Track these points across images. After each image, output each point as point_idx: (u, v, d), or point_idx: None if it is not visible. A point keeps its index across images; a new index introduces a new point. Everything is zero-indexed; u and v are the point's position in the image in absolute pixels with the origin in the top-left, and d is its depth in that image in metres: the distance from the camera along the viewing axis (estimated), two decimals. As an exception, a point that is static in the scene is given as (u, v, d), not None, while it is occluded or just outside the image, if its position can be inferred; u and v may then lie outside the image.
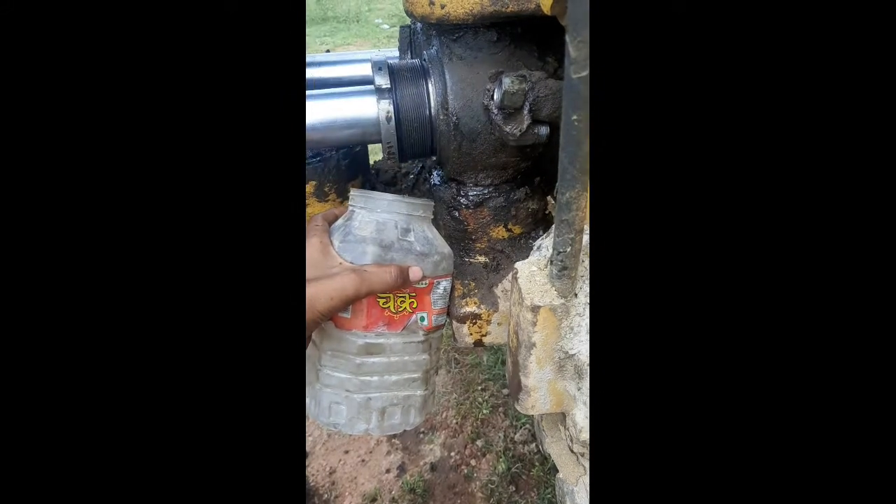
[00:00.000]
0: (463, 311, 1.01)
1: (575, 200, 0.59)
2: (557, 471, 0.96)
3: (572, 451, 0.85)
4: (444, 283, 0.88)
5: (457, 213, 1.06)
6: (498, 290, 1.05)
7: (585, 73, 0.50)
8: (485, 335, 1.04)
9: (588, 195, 0.60)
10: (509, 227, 1.08)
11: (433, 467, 2.07)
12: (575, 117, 0.53)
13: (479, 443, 2.13)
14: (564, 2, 0.55)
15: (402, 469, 2.05)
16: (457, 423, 2.21)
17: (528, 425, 2.10)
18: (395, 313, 0.77)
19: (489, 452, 2.11)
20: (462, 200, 1.05)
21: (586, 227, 0.74)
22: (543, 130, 0.90)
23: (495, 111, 0.89)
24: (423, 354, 0.83)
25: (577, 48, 0.47)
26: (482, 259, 1.10)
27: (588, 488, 0.85)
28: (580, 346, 0.73)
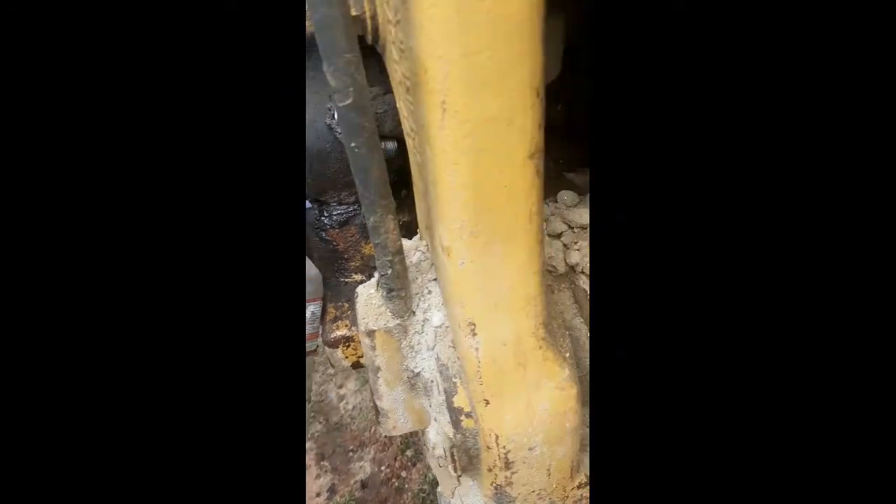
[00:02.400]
0: (334, 335, 0.99)
1: (381, 224, 0.59)
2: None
3: (440, 466, 0.85)
4: (312, 308, 0.87)
5: (324, 234, 1.04)
6: (372, 308, 1.05)
7: (349, 101, 0.49)
8: (361, 356, 1.03)
9: (393, 218, 0.60)
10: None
11: (364, 484, 2.04)
12: (353, 144, 0.52)
13: (408, 453, 2.12)
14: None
15: (332, 491, 2.01)
16: (386, 436, 2.19)
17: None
18: None
19: (419, 461, 2.10)
20: (326, 221, 1.03)
21: (416, 244, 0.73)
22: (390, 146, 0.89)
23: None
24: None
25: (333, 77, 0.46)
26: (358, 277, 1.09)
27: (463, 499, 0.86)
28: (423, 363, 0.72)
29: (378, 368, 0.72)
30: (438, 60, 0.48)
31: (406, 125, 0.63)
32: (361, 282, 1.08)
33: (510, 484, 0.75)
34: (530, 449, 0.73)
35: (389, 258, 0.62)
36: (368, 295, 0.72)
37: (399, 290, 0.67)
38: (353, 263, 1.09)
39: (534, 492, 0.78)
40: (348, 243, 1.06)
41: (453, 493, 0.87)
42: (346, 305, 1.04)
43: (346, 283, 1.08)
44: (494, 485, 0.75)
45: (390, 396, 0.75)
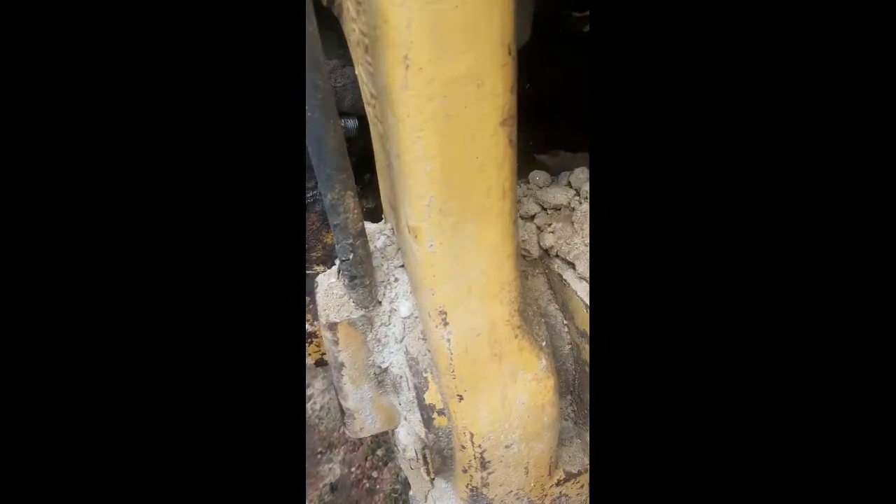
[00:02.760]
0: (294, 330, 0.92)
1: (340, 202, 0.52)
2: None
3: (411, 468, 0.79)
4: None
5: (281, 223, 0.96)
6: (335, 302, 0.98)
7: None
8: (325, 353, 0.96)
9: (353, 195, 0.53)
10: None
11: (333, 487, 1.97)
12: (307, 109, 0.45)
13: (379, 452, 2.05)
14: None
15: (300, 495, 1.93)
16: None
17: (429, 425, 2.03)
18: None
19: (391, 461, 2.03)
20: (283, 209, 0.95)
21: (381, 228, 0.67)
22: (350, 123, 0.82)
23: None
24: None
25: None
26: (320, 269, 1.01)
27: (437, 502, 0.80)
28: (391, 357, 0.66)
29: (342, 365, 0.65)
30: (400, 7, 0.42)
31: (366, 92, 0.57)
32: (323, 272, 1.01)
33: (486, 485, 0.70)
34: (507, 447, 0.67)
35: (350, 241, 0.55)
36: (329, 284, 0.66)
37: (362, 278, 0.60)
38: (315, 254, 1.01)
39: (511, 492, 0.73)
40: (309, 231, 0.99)
41: (426, 497, 0.82)
42: (308, 299, 0.97)
43: (308, 274, 1.01)
44: (470, 487, 0.70)
45: (356, 395, 0.68)
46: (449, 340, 0.60)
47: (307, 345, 0.95)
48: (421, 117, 0.48)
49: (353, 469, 2.02)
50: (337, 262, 0.70)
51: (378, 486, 1.96)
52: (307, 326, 0.94)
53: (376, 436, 2.12)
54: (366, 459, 2.04)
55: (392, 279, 0.65)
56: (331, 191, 0.50)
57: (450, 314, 0.59)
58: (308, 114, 0.44)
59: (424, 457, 0.66)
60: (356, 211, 0.53)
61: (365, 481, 1.98)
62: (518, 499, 0.75)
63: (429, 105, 0.47)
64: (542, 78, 1.19)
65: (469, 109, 0.49)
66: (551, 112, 1.26)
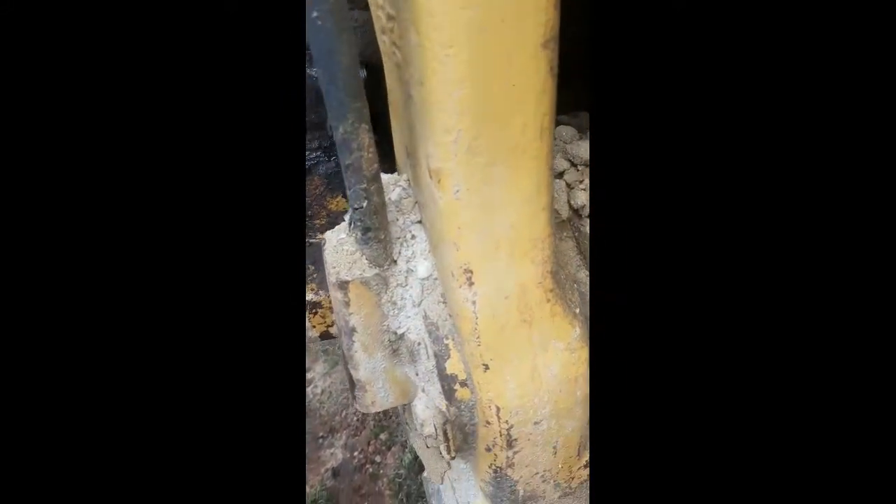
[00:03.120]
0: (298, 299, 0.85)
1: (353, 136, 0.45)
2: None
3: (427, 447, 0.73)
4: None
5: (283, 186, 0.89)
6: (342, 271, 0.91)
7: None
8: (331, 325, 0.89)
9: (368, 129, 0.46)
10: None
11: (335, 473, 1.91)
12: (314, 14, 0.38)
13: (382, 437, 2.00)
14: None
15: (301, 480, 1.88)
16: (357, 419, 2.06)
17: (434, 409, 1.98)
18: None
19: (394, 445, 1.98)
20: (285, 170, 0.88)
21: (395, 179, 0.60)
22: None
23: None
24: None
25: None
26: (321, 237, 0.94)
27: (454, 484, 0.74)
28: (408, 322, 0.59)
29: (353, 330, 0.58)
30: None
31: (381, 18, 0.50)
32: (328, 242, 0.94)
33: (511, 465, 0.64)
34: (536, 423, 0.61)
35: (364, 186, 0.48)
36: (339, 240, 0.59)
37: (377, 230, 0.53)
38: (318, 221, 0.94)
39: (537, 473, 0.67)
40: (311, 197, 0.92)
41: (442, 478, 0.75)
42: (312, 267, 0.90)
43: (311, 244, 0.94)
44: (493, 467, 0.64)
45: (368, 365, 0.62)
46: (474, 303, 0.53)
47: (311, 316, 0.88)
48: (452, 30, 0.40)
49: (355, 454, 1.97)
50: (348, 213, 0.63)
51: (381, 472, 1.91)
52: (311, 296, 0.87)
53: (379, 419, 2.06)
54: (368, 444, 1.99)
55: (409, 236, 0.58)
56: (342, 122, 0.43)
57: (476, 273, 0.52)
58: (316, 23, 0.37)
59: (445, 433, 0.59)
60: (371, 149, 0.46)
61: (368, 466, 1.92)
62: (544, 481, 0.68)
63: (462, 15, 0.40)
64: (562, 38, 1.11)
65: (507, 24, 0.42)
66: (571, 74, 1.19)
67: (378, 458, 1.95)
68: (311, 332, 0.89)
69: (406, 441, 1.96)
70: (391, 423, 2.03)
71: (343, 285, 0.55)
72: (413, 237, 0.58)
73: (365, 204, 0.50)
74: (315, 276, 0.89)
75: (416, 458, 1.94)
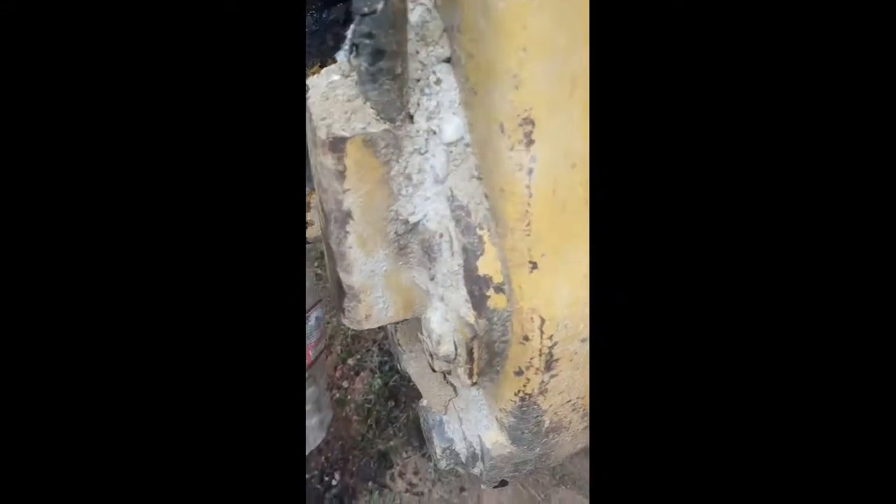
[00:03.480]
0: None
1: None
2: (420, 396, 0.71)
3: (434, 370, 0.59)
4: (316, 314, 0.86)
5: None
6: (318, 158, 0.73)
7: None
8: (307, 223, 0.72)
9: None
10: (327, 65, 0.73)
11: (299, 397, 1.81)
12: None
13: (350, 362, 1.89)
14: None
15: (262, 405, 1.77)
16: (324, 344, 1.94)
17: (404, 334, 1.88)
18: None
19: (363, 370, 1.87)
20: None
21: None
22: None
23: None
24: (310, 388, 0.89)
25: None
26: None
27: (461, 415, 0.61)
28: (426, 206, 0.43)
29: (347, 215, 0.42)
30: None
31: None
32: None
33: (544, 392, 0.51)
34: (583, 340, 0.48)
35: None
36: (330, 84, 0.41)
37: (393, 59, 0.36)
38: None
39: (569, 401, 0.55)
40: (279, 62, 0.71)
41: (446, 408, 0.63)
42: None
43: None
44: (521, 394, 0.51)
45: (366, 266, 0.46)
46: (531, 172, 0.38)
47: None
48: None
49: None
50: (344, 47, 0.45)
51: (349, 397, 1.81)
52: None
53: (346, 345, 1.94)
54: (335, 369, 1.88)
55: (432, 79, 0.41)
56: None
57: (538, 126, 0.36)
58: None
59: (470, 351, 0.45)
60: None
61: (335, 392, 1.82)
62: (574, 409, 0.56)
63: None
64: None
65: None
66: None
67: (345, 384, 1.84)
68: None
69: (376, 367, 1.86)
70: (360, 348, 1.92)
71: (337, 145, 0.38)
72: (438, 82, 0.41)
73: (380, 6, 0.32)
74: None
75: (385, 384, 1.84)
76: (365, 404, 1.79)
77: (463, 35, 0.38)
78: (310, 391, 0.97)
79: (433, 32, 0.41)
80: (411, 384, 1.87)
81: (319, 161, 0.40)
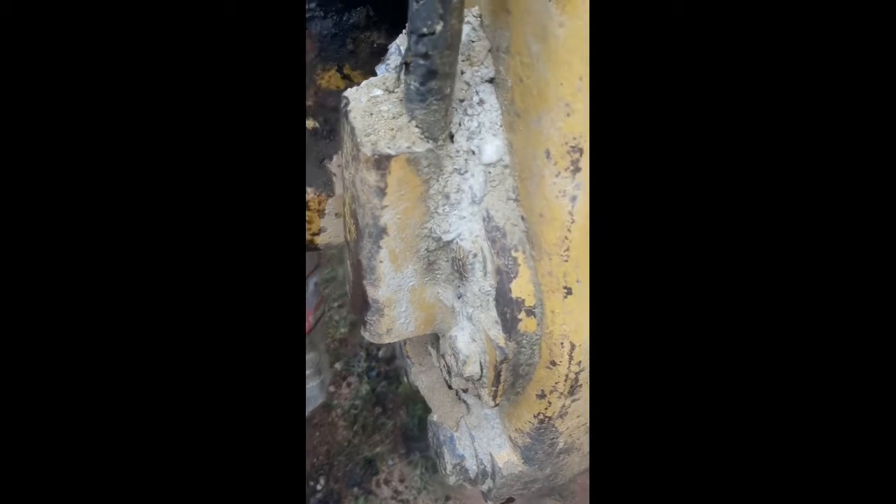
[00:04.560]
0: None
1: None
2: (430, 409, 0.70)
3: (450, 386, 0.59)
4: (314, 279, 0.86)
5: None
6: (333, 166, 0.71)
7: None
8: (316, 233, 0.71)
9: None
10: (345, 71, 0.72)
11: (285, 400, 1.78)
12: None
13: (337, 366, 1.87)
14: None
15: (246, 407, 1.74)
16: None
17: (392, 340, 1.88)
18: None
19: (350, 375, 1.86)
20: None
21: (475, 13, 0.41)
22: None
23: None
24: (310, 353, 0.92)
25: None
26: (309, 123, 0.74)
27: (472, 432, 0.61)
28: (461, 225, 0.43)
29: (383, 231, 0.41)
30: None
31: None
32: (313, 130, 0.74)
33: (564, 415, 0.51)
34: (607, 365, 0.48)
35: (441, 1, 0.30)
36: (372, 99, 0.40)
37: (444, 79, 0.35)
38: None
39: (584, 424, 0.55)
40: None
41: (457, 424, 0.62)
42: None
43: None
44: (541, 416, 0.51)
45: (394, 281, 0.45)
46: (574, 199, 0.38)
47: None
48: None
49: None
50: (390, 53, 0.44)
51: (336, 402, 1.79)
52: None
53: (334, 349, 1.92)
54: (322, 372, 1.86)
55: (475, 99, 0.41)
56: None
57: (587, 154, 0.36)
58: None
59: (498, 374, 0.45)
60: None
61: (321, 395, 1.80)
62: (587, 432, 0.56)
63: None
64: None
65: None
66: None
67: (332, 389, 1.82)
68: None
69: (364, 372, 1.84)
70: (347, 353, 1.90)
71: (381, 163, 0.38)
72: (481, 102, 0.41)
73: (439, 27, 0.32)
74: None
75: (373, 390, 1.83)
76: (351, 410, 1.77)
77: (512, 58, 0.38)
78: (310, 356, 1.01)
79: (479, 53, 0.40)
80: (398, 391, 1.85)
81: (360, 176, 0.39)
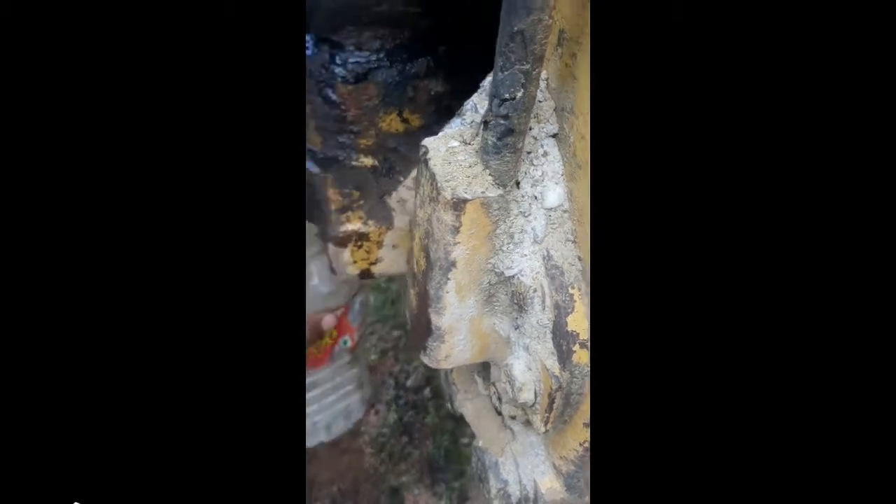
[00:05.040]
0: (343, 229, 0.72)
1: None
2: (468, 427, 0.73)
3: (498, 413, 0.62)
4: (359, 298, 0.91)
5: (331, 92, 0.74)
6: (392, 201, 0.77)
7: None
8: (374, 262, 0.76)
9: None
10: (405, 115, 0.79)
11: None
12: None
13: (366, 393, 1.90)
14: None
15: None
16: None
17: (420, 368, 1.90)
18: (318, 353, 0.86)
19: (378, 402, 1.88)
20: (338, 71, 0.73)
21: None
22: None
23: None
24: (353, 369, 0.98)
25: None
26: (369, 161, 0.80)
27: (517, 458, 0.64)
28: (523, 262, 0.47)
29: (452, 265, 0.46)
30: None
31: None
32: (373, 168, 0.80)
33: (608, 443, 0.54)
34: (651, 398, 0.51)
35: (527, 67, 0.35)
36: (450, 149, 0.45)
37: (518, 136, 0.41)
38: (364, 141, 0.80)
39: (626, 454, 0.57)
40: (362, 109, 0.77)
41: (503, 452, 0.65)
42: (357, 193, 0.76)
43: (353, 166, 0.80)
44: (587, 445, 0.54)
45: (457, 310, 0.50)
46: (629, 243, 0.42)
47: (354, 249, 0.75)
48: None
49: (336, 408, 1.87)
50: (465, 110, 0.50)
51: (363, 429, 1.81)
52: (360, 225, 0.74)
53: (359, 372, 1.96)
54: (351, 399, 1.89)
55: (540, 152, 0.46)
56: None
57: (641, 204, 0.41)
58: None
59: (552, 401, 0.48)
60: (552, 11, 0.33)
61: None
62: (628, 464, 0.59)
63: None
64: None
65: None
66: None
67: (359, 416, 1.85)
68: (350, 269, 0.76)
69: (392, 401, 1.87)
70: (377, 381, 1.93)
71: (458, 205, 0.43)
72: (545, 154, 0.46)
73: (520, 94, 0.37)
74: (362, 203, 0.75)
75: (400, 419, 1.85)
76: (379, 438, 1.79)
77: (576, 118, 0.43)
78: (353, 371, 1.03)
79: (545, 112, 0.46)
80: (425, 421, 1.87)
81: (437, 216, 0.44)
